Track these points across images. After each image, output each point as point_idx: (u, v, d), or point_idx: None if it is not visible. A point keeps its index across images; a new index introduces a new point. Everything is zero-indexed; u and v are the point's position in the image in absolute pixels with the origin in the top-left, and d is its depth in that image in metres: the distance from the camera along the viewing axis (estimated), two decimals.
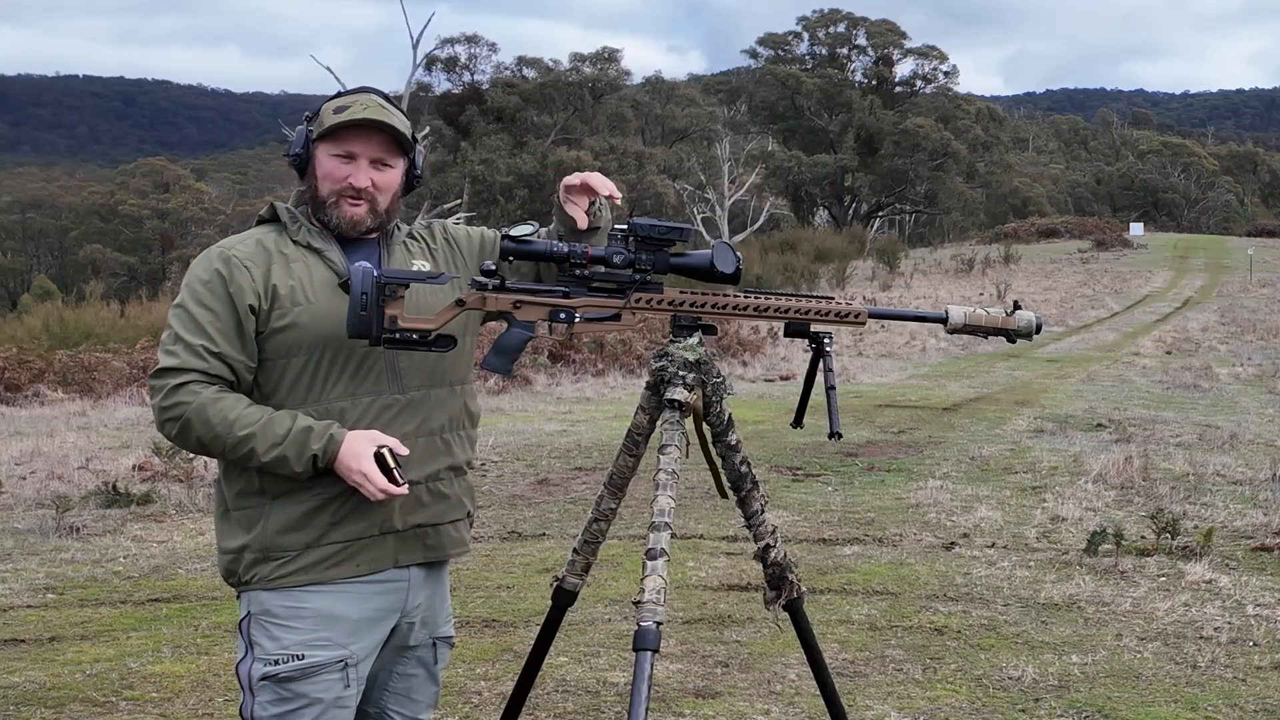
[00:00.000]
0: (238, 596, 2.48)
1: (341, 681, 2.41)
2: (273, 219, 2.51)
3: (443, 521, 2.53)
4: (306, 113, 2.50)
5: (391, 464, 2.35)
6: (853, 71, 65.35)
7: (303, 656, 2.38)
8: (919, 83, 65.05)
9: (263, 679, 2.38)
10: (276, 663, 2.38)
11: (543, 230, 2.64)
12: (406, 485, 2.37)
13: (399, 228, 2.58)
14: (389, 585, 2.48)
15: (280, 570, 2.39)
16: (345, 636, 2.41)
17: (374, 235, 2.52)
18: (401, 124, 2.46)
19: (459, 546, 2.59)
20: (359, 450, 2.34)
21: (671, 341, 2.61)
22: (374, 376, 2.44)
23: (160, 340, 2.42)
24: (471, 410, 2.61)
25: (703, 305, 2.59)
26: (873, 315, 2.67)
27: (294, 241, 2.46)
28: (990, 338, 2.76)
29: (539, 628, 2.86)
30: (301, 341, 2.39)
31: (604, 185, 2.58)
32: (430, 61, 49.95)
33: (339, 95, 2.51)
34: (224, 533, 2.46)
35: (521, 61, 57.90)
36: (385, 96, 2.51)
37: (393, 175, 2.49)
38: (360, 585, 2.43)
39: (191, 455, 7.90)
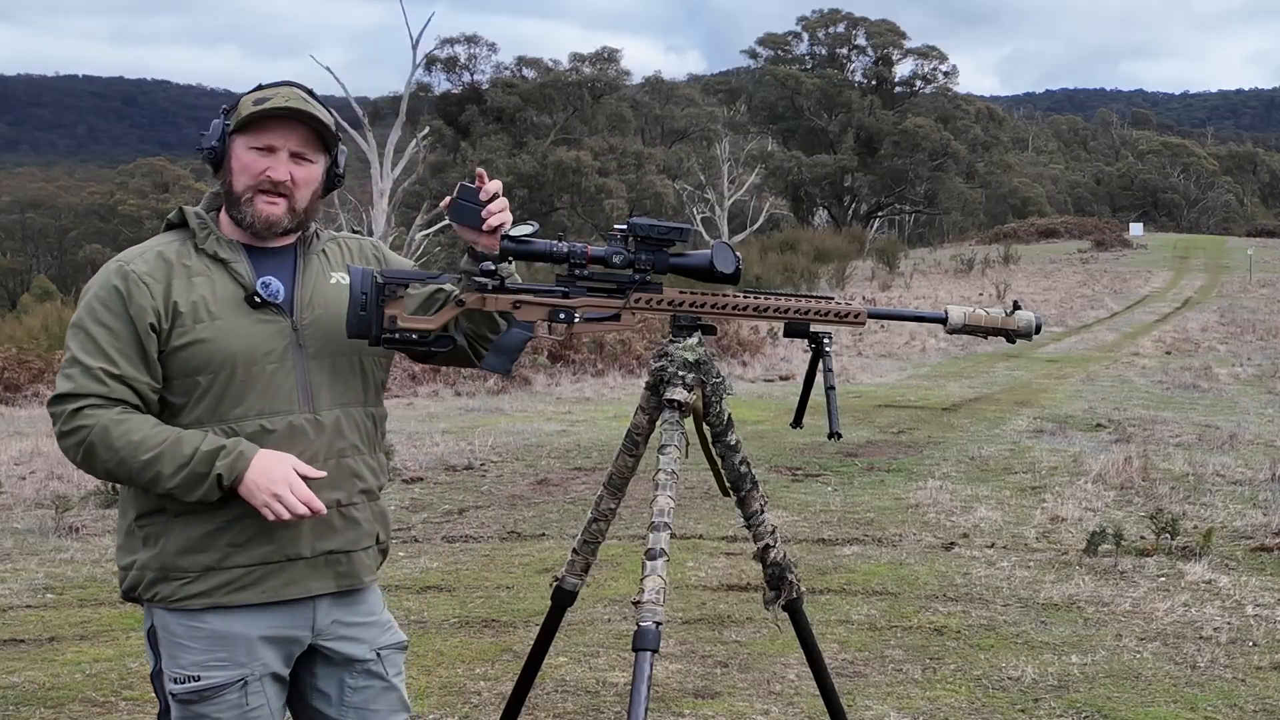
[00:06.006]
0: (142, 605, 2.39)
1: (241, 702, 2.33)
2: (180, 224, 2.40)
3: (355, 549, 2.44)
4: (224, 106, 2.40)
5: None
6: (852, 72, 65.40)
7: (199, 678, 2.31)
8: (918, 83, 65.12)
9: (171, 695, 2.33)
10: (175, 681, 2.32)
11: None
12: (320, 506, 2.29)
13: (318, 235, 2.49)
14: (292, 608, 2.38)
15: (181, 591, 2.31)
16: (244, 655, 2.33)
17: (290, 241, 2.43)
18: (324, 116, 2.38)
19: (370, 574, 2.50)
20: (272, 470, 2.25)
21: (671, 341, 2.61)
22: (285, 395, 2.35)
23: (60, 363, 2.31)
24: (383, 433, 2.54)
25: (702, 305, 2.58)
26: (872, 315, 2.66)
27: (199, 250, 2.36)
28: (990, 338, 2.76)
29: (538, 628, 2.86)
30: (206, 359, 2.29)
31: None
32: (430, 61, 50.10)
33: (259, 88, 2.41)
34: (125, 547, 2.38)
35: (521, 61, 58.07)
36: (309, 91, 2.42)
37: (313, 170, 2.40)
38: (261, 608, 2.35)
39: None
